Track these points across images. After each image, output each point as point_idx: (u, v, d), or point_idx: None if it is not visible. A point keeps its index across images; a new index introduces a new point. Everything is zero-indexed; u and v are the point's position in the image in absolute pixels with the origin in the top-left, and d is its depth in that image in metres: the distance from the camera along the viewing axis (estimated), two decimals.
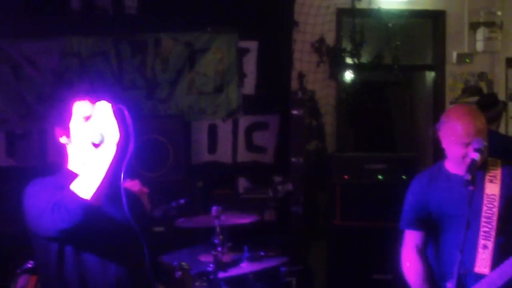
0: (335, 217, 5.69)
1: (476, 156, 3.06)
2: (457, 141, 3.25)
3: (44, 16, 5.97)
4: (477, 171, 3.24)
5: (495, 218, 3.22)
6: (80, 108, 2.57)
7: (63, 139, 2.63)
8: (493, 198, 3.25)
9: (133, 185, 4.26)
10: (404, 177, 5.64)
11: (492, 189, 3.27)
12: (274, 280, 4.56)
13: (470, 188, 2.93)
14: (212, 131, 6.33)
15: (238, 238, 4.52)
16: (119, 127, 2.43)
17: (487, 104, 5.18)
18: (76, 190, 2.34)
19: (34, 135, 6.09)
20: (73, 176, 2.47)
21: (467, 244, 3.14)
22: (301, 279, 5.03)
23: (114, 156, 2.43)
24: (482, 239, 3.22)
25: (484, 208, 3.25)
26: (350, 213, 5.65)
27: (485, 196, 3.26)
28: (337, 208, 5.69)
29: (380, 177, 5.70)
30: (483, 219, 3.24)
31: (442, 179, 3.42)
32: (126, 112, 2.50)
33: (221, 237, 4.21)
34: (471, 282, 3.18)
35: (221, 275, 4.14)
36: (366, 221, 5.58)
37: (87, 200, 2.32)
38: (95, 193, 2.34)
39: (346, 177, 5.71)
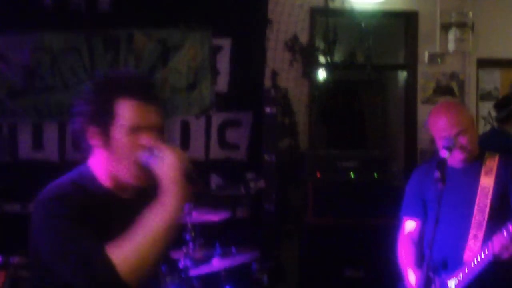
0: (307, 214, 5.70)
1: (445, 154, 3.16)
2: (440, 135, 3.35)
3: (16, 11, 5.91)
4: (475, 163, 3.34)
5: (487, 209, 3.31)
6: (128, 112, 2.15)
7: (95, 142, 2.19)
8: (487, 191, 3.33)
9: None
10: (375, 175, 5.68)
11: (487, 181, 3.36)
12: (245, 277, 4.57)
13: (440, 186, 2.98)
14: (185, 128, 6.31)
15: (210, 235, 4.52)
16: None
17: (501, 105, 5.28)
18: (113, 256, 1.92)
19: (4, 130, 6.03)
20: (102, 188, 2.17)
21: (459, 232, 3.26)
22: (272, 275, 5.05)
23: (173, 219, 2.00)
24: (474, 228, 3.30)
25: (477, 199, 3.34)
26: (322, 210, 5.66)
27: (479, 187, 3.36)
28: (309, 205, 5.70)
29: (352, 175, 5.73)
30: (475, 209, 3.32)
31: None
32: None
33: (192, 233, 4.21)
34: (458, 269, 3.27)
35: (193, 271, 4.14)
36: (338, 218, 5.60)
37: (121, 275, 1.90)
38: (135, 271, 1.92)
39: (318, 174, 5.73)
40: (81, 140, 2.23)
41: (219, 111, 6.31)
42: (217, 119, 6.32)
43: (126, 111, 2.15)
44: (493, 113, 5.84)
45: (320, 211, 5.66)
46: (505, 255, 3.10)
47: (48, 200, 2.09)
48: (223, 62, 6.33)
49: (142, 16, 6.10)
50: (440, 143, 3.36)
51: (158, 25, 6.17)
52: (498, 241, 3.09)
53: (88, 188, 2.18)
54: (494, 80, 6.92)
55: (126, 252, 1.95)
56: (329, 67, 6.58)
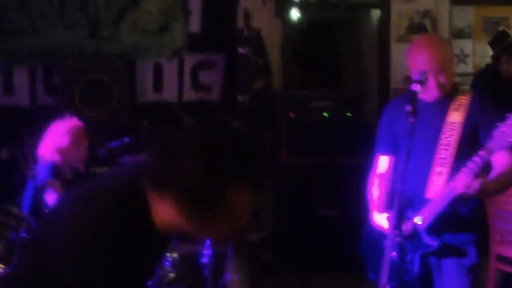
0: (281, 154, 5.73)
1: (417, 88, 3.10)
2: (418, 70, 3.28)
3: None
4: (445, 99, 3.32)
5: (453, 145, 3.27)
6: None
7: None
8: (454, 126, 3.30)
9: (72, 121, 4.23)
10: (349, 114, 5.70)
11: (455, 117, 3.31)
12: None
13: (411, 119, 2.96)
14: (158, 70, 6.26)
15: None
16: None
17: (495, 40, 5.29)
18: None
19: None
20: None
21: (421, 170, 3.26)
22: None
23: None
24: (438, 165, 3.29)
25: (442, 136, 3.30)
26: (296, 150, 5.69)
27: (445, 124, 3.31)
28: (283, 145, 5.73)
29: (325, 114, 5.74)
30: (440, 146, 3.30)
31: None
32: None
33: None
34: (421, 206, 3.27)
35: None
36: (312, 158, 5.63)
37: None
38: None
39: (292, 114, 5.73)
40: None
41: (192, 52, 6.25)
42: (190, 61, 6.27)
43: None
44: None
45: (294, 151, 5.70)
46: (468, 193, 3.11)
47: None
48: (195, 2, 6.25)
49: None
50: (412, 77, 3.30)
51: None
52: (461, 179, 3.09)
53: None
54: (467, 17, 6.90)
55: None
56: (302, 6, 6.51)
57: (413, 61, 3.35)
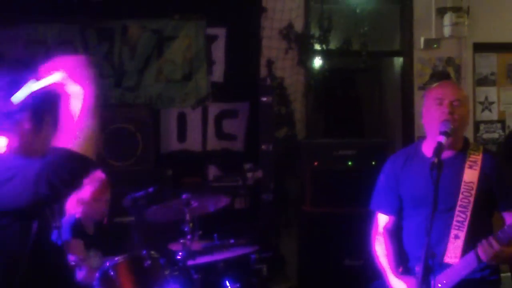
0: (305, 203, 5.69)
1: (442, 139, 3.03)
2: (435, 102, 3.22)
3: (8, 3, 5.86)
4: (458, 154, 3.27)
5: (470, 207, 3.19)
6: None
7: None
8: (471, 187, 3.21)
9: (94, 173, 4.22)
10: (373, 163, 5.65)
11: (471, 176, 3.22)
12: (245, 268, 4.55)
13: (436, 171, 2.90)
14: (182, 119, 6.29)
15: (208, 227, 4.50)
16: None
17: None
18: None
19: None
20: None
21: (439, 232, 3.15)
22: (271, 266, 5.04)
23: None
24: (455, 229, 3.19)
25: (461, 196, 3.21)
26: (320, 199, 5.65)
27: (463, 183, 3.23)
28: (307, 194, 5.68)
29: (350, 163, 5.71)
30: (458, 208, 3.21)
31: (416, 161, 3.40)
32: None
33: (191, 225, 4.19)
34: (439, 271, 3.18)
35: (191, 263, 4.12)
36: (336, 207, 5.58)
37: None
38: None
39: (316, 163, 5.70)
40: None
41: (216, 101, 6.29)
42: (213, 109, 6.31)
43: None
44: None
45: (318, 200, 5.65)
46: (494, 262, 3.04)
47: None
48: (218, 52, 6.31)
49: (136, 7, 6.07)
50: (434, 124, 3.20)
51: (152, 16, 6.14)
52: (486, 250, 3.01)
53: None
54: (490, 64, 6.90)
55: None
56: (324, 54, 6.54)
57: (430, 104, 3.28)
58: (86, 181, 4.17)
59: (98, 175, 4.34)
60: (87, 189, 4.22)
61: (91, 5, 6.02)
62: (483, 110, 6.79)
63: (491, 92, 6.87)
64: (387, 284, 3.45)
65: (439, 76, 6.55)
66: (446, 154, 3.22)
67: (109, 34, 6.13)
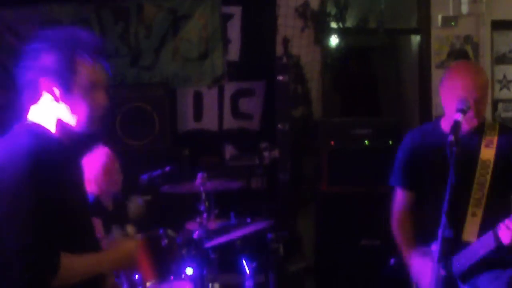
0: (322, 183, 5.68)
1: (459, 117, 2.99)
2: (455, 96, 3.20)
3: None
4: (475, 134, 3.24)
5: (487, 185, 3.17)
6: (88, 70, 2.30)
7: (50, 94, 2.30)
8: (488, 165, 3.19)
9: (99, 150, 4.21)
10: (390, 142, 5.63)
11: (487, 154, 3.20)
12: (261, 246, 4.56)
13: (454, 149, 2.87)
14: (198, 99, 6.29)
15: (225, 206, 4.51)
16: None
17: None
18: (65, 260, 2.14)
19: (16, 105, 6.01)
20: (57, 139, 2.29)
21: (456, 210, 3.12)
22: (288, 245, 5.03)
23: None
24: (473, 206, 3.19)
25: (477, 174, 3.19)
26: (337, 178, 5.63)
27: (479, 161, 3.21)
28: (324, 173, 5.67)
29: (366, 142, 5.68)
30: (475, 186, 3.19)
31: (435, 138, 3.37)
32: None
33: (206, 203, 4.20)
34: (457, 249, 3.16)
35: (208, 242, 4.13)
36: (353, 187, 5.56)
37: (58, 278, 2.12)
38: (66, 282, 2.17)
39: (332, 142, 5.68)
40: (30, 90, 2.35)
41: (232, 80, 6.28)
42: (229, 89, 6.30)
43: (86, 70, 2.31)
44: None
45: (335, 180, 5.64)
46: None
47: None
48: (234, 31, 6.29)
49: None
50: (453, 105, 3.16)
51: None
52: (505, 232, 2.97)
53: (51, 143, 2.30)
54: (509, 42, 6.81)
55: (76, 266, 2.22)
56: (341, 32, 6.50)
57: (451, 88, 3.25)
58: (92, 159, 4.20)
59: (101, 148, 4.34)
60: (95, 166, 4.23)
61: None
62: (501, 89, 6.71)
63: (510, 70, 6.79)
64: (405, 261, 3.44)
65: (457, 54, 6.49)
66: (463, 131, 3.20)
67: (124, 13, 6.12)
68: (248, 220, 4.46)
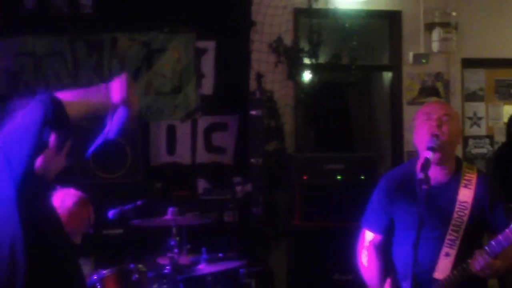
0: (295, 217, 5.68)
1: (429, 155, 3.01)
2: (423, 117, 3.18)
3: None
4: (454, 175, 3.25)
5: (463, 227, 3.16)
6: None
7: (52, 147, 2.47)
8: (465, 206, 3.18)
9: (67, 193, 4.09)
10: (362, 177, 5.66)
11: (466, 195, 3.18)
12: (233, 282, 4.53)
13: (424, 187, 2.88)
14: (171, 132, 6.26)
15: (197, 240, 4.49)
16: None
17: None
18: None
19: None
20: None
21: (430, 252, 3.13)
22: (261, 280, 5.01)
23: None
24: (446, 247, 3.17)
25: (455, 215, 3.17)
26: (310, 213, 5.64)
27: (457, 202, 3.20)
28: (297, 208, 5.68)
29: (339, 177, 5.71)
30: (451, 227, 3.19)
31: (411, 183, 3.33)
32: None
33: (177, 238, 4.17)
34: (428, 286, 3.17)
35: (179, 277, 4.10)
36: (325, 222, 5.57)
37: None
38: None
39: (305, 177, 5.71)
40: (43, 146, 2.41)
41: (205, 114, 6.27)
42: (203, 122, 6.28)
43: None
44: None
45: (308, 214, 5.65)
46: (486, 273, 3.04)
47: None
48: (208, 65, 6.30)
49: (125, 19, 6.05)
50: (423, 128, 3.14)
51: (141, 28, 6.12)
52: (479, 260, 3.01)
53: None
54: (479, 80, 6.94)
55: None
56: (314, 68, 6.57)
57: (420, 119, 3.24)
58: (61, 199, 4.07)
59: (72, 193, 4.17)
60: (65, 207, 4.09)
61: (81, 17, 6.00)
62: (471, 126, 6.82)
63: (480, 108, 6.91)
64: None
65: (428, 91, 6.58)
66: (441, 179, 3.22)
67: (98, 46, 6.11)
68: (220, 255, 4.44)
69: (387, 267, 3.42)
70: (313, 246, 5.55)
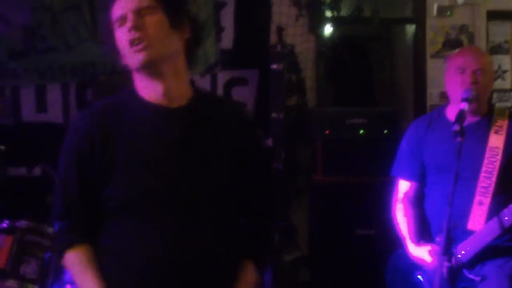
0: (316, 172, 5.64)
1: (465, 106, 2.97)
2: (457, 71, 3.15)
3: None
4: (483, 119, 3.20)
5: (495, 173, 3.11)
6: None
7: None
8: (497, 152, 3.14)
9: None
10: (385, 131, 5.60)
11: (496, 141, 3.15)
12: None
13: (459, 139, 2.83)
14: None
15: None
16: None
17: None
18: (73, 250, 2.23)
19: (7, 93, 5.94)
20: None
21: (462, 199, 3.08)
22: (283, 235, 5.00)
23: None
24: (479, 195, 3.12)
25: (485, 161, 3.13)
26: (332, 168, 5.59)
27: (487, 148, 3.15)
28: (318, 163, 5.63)
29: (361, 131, 5.64)
30: (482, 174, 3.14)
31: (440, 126, 3.33)
32: None
33: None
34: (462, 238, 3.12)
35: None
36: (347, 176, 5.53)
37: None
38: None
39: (327, 132, 5.64)
40: None
41: (225, 69, 6.21)
42: (222, 77, 6.22)
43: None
44: None
45: (330, 169, 5.60)
46: None
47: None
48: (227, 19, 6.21)
49: None
50: (458, 93, 3.15)
51: None
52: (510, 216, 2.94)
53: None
54: (504, 32, 6.79)
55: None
56: (335, 21, 6.44)
57: (453, 68, 3.21)
58: None
59: None
60: None
61: None
62: (496, 79, 6.68)
63: (505, 61, 6.78)
64: (408, 251, 3.40)
65: (452, 44, 6.46)
66: (471, 120, 3.16)
67: None
68: None
69: (422, 220, 3.39)
70: (335, 201, 5.51)
